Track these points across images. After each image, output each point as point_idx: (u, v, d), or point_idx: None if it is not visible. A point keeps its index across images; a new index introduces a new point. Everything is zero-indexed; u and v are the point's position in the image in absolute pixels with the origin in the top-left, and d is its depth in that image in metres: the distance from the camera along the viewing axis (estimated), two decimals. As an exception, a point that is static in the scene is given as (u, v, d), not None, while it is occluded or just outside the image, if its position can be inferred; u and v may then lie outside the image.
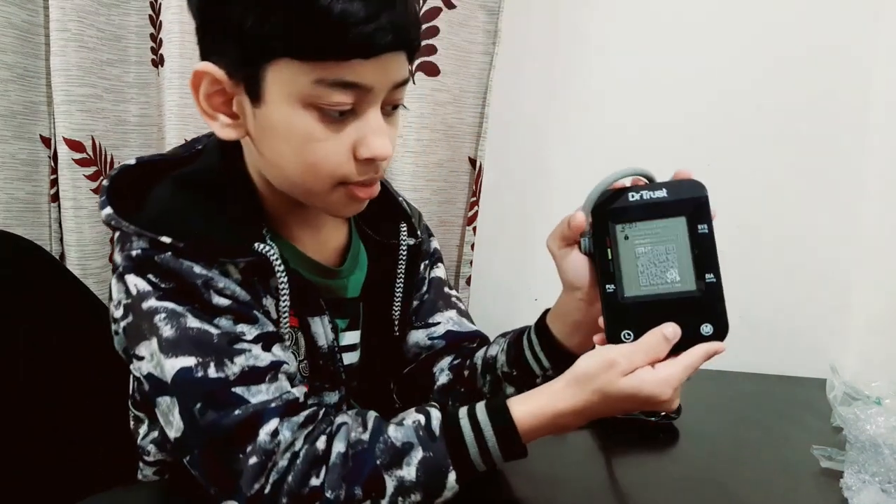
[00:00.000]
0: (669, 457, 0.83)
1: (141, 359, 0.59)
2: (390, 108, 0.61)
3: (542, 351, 0.69)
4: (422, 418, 0.59)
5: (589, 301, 0.64)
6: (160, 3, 1.14)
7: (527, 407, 0.58)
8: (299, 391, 0.60)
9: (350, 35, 0.52)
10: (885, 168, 1.23)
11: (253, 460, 0.54)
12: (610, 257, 0.59)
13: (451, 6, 1.16)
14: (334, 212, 0.66)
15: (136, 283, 0.58)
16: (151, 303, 0.57)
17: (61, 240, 1.15)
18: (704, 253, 0.57)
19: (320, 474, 0.55)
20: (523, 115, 1.32)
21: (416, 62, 1.14)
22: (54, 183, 1.14)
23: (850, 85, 1.24)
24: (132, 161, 0.65)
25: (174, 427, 0.57)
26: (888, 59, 1.22)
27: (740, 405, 1.04)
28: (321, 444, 0.56)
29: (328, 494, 0.54)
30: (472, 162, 1.25)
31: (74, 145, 1.10)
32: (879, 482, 0.69)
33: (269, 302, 0.62)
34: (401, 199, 0.81)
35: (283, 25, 0.53)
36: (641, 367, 0.56)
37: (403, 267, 0.76)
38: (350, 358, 0.73)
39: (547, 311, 0.71)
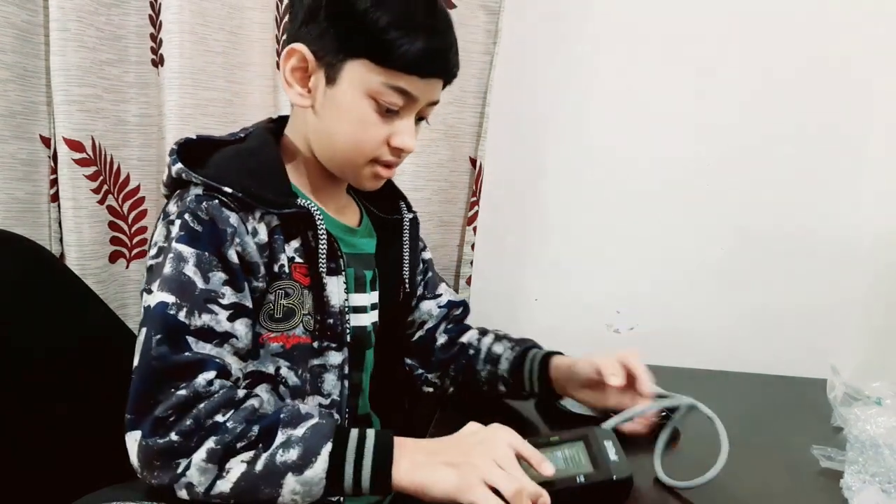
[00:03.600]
0: (669, 456, 0.83)
1: (151, 292, 0.67)
2: (418, 119, 0.78)
3: (538, 381, 0.89)
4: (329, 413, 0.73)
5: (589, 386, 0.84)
6: (160, 3, 1.14)
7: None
8: (236, 369, 0.68)
9: (420, 62, 0.72)
10: (883, 169, 1.23)
11: (182, 393, 0.62)
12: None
13: (451, 6, 1.16)
14: (359, 183, 0.80)
15: (179, 224, 0.69)
16: (174, 244, 0.67)
17: (61, 240, 1.15)
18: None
19: (227, 414, 0.62)
20: (523, 115, 1.32)
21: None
22: (54, 183, 1.14)
23: (850, 88, 1.24)
24: (193, 136, 0.77)
25: (136, 356, 0.65)
26: (889, 66, 1.22)
27: (740, 405, 1.03)
28: (241, 393, 0.66)
29: (228, 424, 0.61)
30: (473, 162, 1.25)
31: (74, 145, 1.10)
32: (879, 482, 0.69)
33: (284, 258, 0.73)
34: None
35: (383, 42, 0.70)
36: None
37: (407, 236, 0.90)
38: (359, 320, 0.83)
39: (554, 353, 0.89)
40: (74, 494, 0.65)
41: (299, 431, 0.62)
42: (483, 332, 0.98)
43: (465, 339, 0.97)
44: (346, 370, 0.78)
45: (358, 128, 0.74)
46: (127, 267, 1.22)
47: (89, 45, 1.10)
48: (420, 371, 0.97)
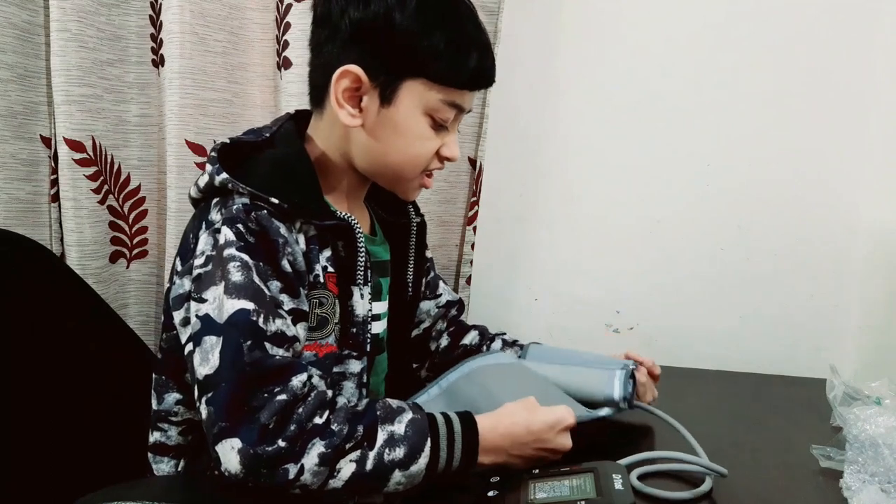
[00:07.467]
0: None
1: (204, 301, 0.66)
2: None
3: None
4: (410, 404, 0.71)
5: None
6: (160, 4, 1.15)
7: (485, 417, 0.71)
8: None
9: (476, 77, 0.76)
10: (883, 169, 1.23)
11: (282, 398, 0.61)
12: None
13: (451, 6, 1.15)
14: (406, 194, 0.84)
15: (226, 233, 0.68)
16: (232, 251, 0.67)
17: (61, 240, 1.15)
18: None
19: (324, 415, 0.63)
20: (523, 116, 1.33)
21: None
22: (54, 183, 1.14)
23: (849, 90, 1.24)
24: (227, 140, 0.77)
25: (209, 365, 0.63)
26: (888, 63, 1.22)
27: (740, 405, 1.04)
28: (329, 393, 0.66)
29: (334, 427, 0.62)
30: (472, 162, 1.25)
31: (75, 145, 1.10)
32: (879, 482, 0.69)
33: (319, 268, 0.74)
34: None
35: (442, 61, 0.73)
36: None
37: (414, 240, 0.92)
38: (376, 328, 0.83)
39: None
40: (74, 494, 0.65)
41: (399, 428, 0.65)
42: (483, 335, 1.03)
43: (466, 340, 1.02)
44: (365, 378, 0.79)
45: (416, 144, 0.77)
46: (127, 267, 1.22)
47: (90, 45, 1.10)
48: (415, 365, 1.02)
